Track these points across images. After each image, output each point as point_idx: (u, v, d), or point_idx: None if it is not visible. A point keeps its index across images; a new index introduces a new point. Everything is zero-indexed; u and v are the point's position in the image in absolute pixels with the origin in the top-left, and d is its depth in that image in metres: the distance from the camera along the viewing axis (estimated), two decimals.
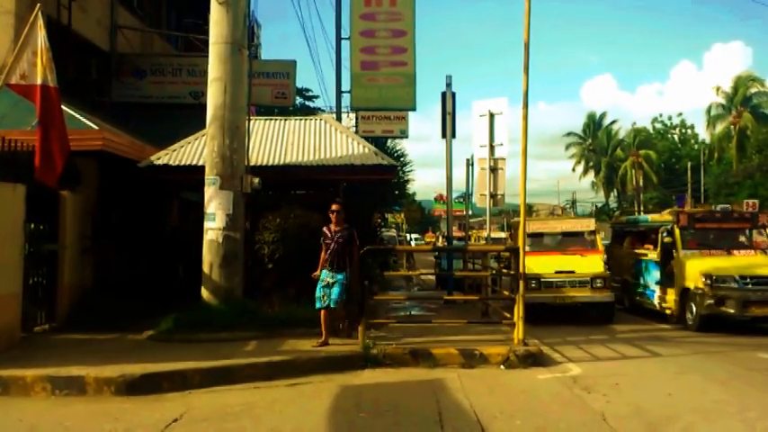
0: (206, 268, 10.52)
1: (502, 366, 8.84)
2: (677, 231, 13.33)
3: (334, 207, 9.48)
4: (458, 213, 35.16)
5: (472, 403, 6.99)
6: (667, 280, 13.33)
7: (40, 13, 9.78)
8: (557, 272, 13.18)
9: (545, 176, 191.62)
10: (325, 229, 9.49)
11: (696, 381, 8.28)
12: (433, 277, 21.88)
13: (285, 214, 11.05)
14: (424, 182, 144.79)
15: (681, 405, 7.03)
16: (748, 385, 8.03)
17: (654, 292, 13.92)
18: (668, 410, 6.83)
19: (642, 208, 55.39)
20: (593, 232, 14.68)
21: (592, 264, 13.51)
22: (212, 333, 9.58)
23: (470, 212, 26.78)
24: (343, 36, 19.87)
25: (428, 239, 48.46)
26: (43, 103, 9.65)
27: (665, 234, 13.45)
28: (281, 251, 10.80)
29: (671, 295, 13.20)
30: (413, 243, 45.86)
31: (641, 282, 14.58)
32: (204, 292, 10.48)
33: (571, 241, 14.50)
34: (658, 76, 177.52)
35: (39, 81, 9.55)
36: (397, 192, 24.30)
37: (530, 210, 69.11)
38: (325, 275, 9.30)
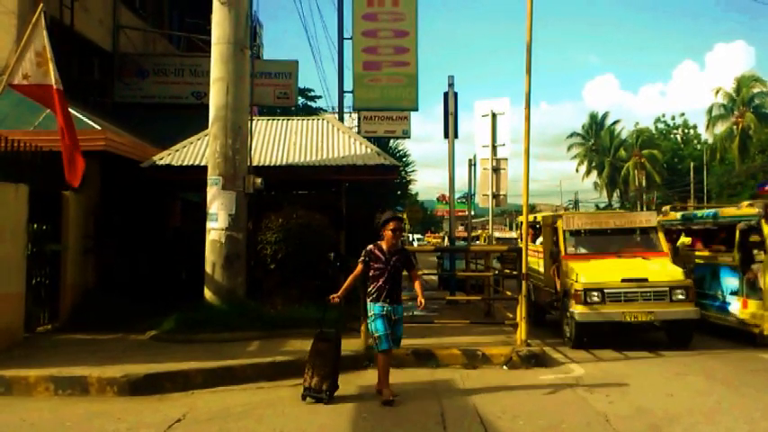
0: (208, 268, 10.52)
1: (504, 367, 8.83)
2: (767, 227, 10.43)
3: (393, 225, 7.32)
4: (460, 214, 35.16)
5: (475, 404, 6.98)
6: (750, 290, 10.56)
7: (42, 14, 9.78)
8: (624, 280, 10.34)
9: (547, 177, 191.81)
10: (374, 249, 7.36)
11: (699, 381, 8.26)
12: (435, 277, 21.86)
13: (288, 214, 11.06)
14: (427, 182, 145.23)
15: (683, 406, 7.02)
16: (751, 386, 8.01)
17: (729, 304, 11.07)
18: (671, 411, 6.82)
19: (645, 209, 55.30)
20: (655, 229, 11.76)
21: (665, 269, 10.72)
22: (215, 333, 9.59)
23: (473, 213, 26.74)
24: (345, 36, 19.89)
25: (428, 239, 48.45)
26: (51, 103, 9.62)
27: (745, 231, 10.80)
28: (284, 251, 10.80)
29: (757, 309, 10.39)
30: (415, 243, 45.90)
31: (710, 292, 11.61)
32: (207, 293, 10.48)
33: (627, 241, 11.71)
34: (661, 77, 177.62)
35: (53, 83, 9.50)
36: (399, 192, 24.34)
37: (532, 210, 69.19)
38: (380, 310, 7.17)
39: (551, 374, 8.57)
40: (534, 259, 12.66)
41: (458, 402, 7.10)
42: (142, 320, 10.24)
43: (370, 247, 7.38)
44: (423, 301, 7.31)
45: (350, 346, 9.12)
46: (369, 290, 7.29)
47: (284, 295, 10.88)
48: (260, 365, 8.17)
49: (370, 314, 7.24)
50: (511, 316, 10.17)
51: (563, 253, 11.36)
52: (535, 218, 14.32)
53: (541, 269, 12.68)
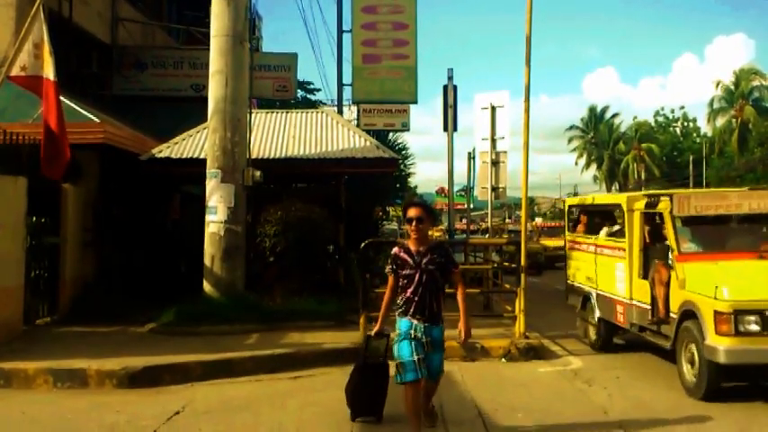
0: (207, 261, 10.52)
1: (503, 359, 8.84)
2: None
3: (412, 212, 5.46)
4: (459, 207, 35.14)
5: (473, 396, 7.00)
6: None
7: (41, 6, 9.75)
8: None
9: (547, 169, 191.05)
10: (399, 251, 5.55)
11: None
12: None
13: (287, 207, 11.06)
14: (426, 175, 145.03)
15: (681, 398, 7.02)
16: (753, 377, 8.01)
17: None
18: (670, 403, 6.83)
19: None
20: None
21: None
22: (214, 326, 9.59)
23: (472, 206, 26.74)
24: (344, 29, 19.83)
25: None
26: (47, 97, 9.62)
27: None
28: (283, 244, 10.80)
29: None
30: None
31: None
32: (206, 285, 10.48)
33: (764, 233, 8.30)
34: (660, 69, 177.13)
35: (44, 74, 9.51)
36: (398, 185, 24.29)
37: (531, 203, 69.23)
38: (407, 327, 5.38)
39: (550, 367, 8.59)
40: (584, 255, 10.15)
41: (456, 395, 7.10)
42: (141, 313, 10.25)
43: (395, 250, 5.61)
44: (465, 329, 5.50)
45: (349, 338, 9.15)
46: (397, 302, 5.54)
47: (283, 288, 10.89)
48: (259, 358, 8.19)
49: (395, 333, 5.52)
50: (510, 309, 10.18)
51: (676, 251, 7.70)
52: (587, 202, 11.20)
53: (606, 272, 9.31)
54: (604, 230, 9.80)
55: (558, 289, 18.81)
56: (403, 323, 5.41)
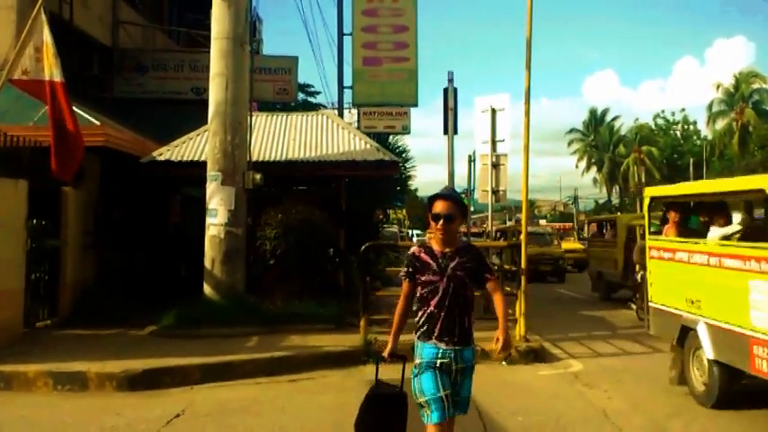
0: (208, 264, 10.52)
1: (503, 362, 8.83)
2: None
3: (440, 206, 4.26)
4: None
5: (473, 399, 6.97)
6: None
7: (42, 9, 9.76)
8: None
9: (547, 172, 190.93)
10: (419, 251, 4.36)
11: None
12: None
13: (287, 210, 11.07)
14: (426, 178, 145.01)
15: (681, 401, 7.02)
16: (752, 379, 8.00)
17: None
18: (670, 406, 6.83)
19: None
20: None
21: None
22: (214, 329, 9.59)
23: (472, 208, 26.71)
24: (345, 32, 19.85)
25: (429, 236, 48.41)
26: (52, 99, 9.61)
27: None
28: (283, 247, 10.81)
29: None
30: (415, 239, 45.90)
31: None
32: (206, 288, 10.48)
33: None
34: (661, 72, 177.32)
35: (46, 77, 9.50)
36: (399, 187, 24.30)
37: (531, 206, 69.23)
38: (431, 355, 4.21)
39: (550, 370, 8.59)
40: (683, 267, 7.25)
41: None
42: (141, 316, 10.25)
43: (414, 249, 4.41)
44: (503, 337, 4.43)
45: (348, 341, 9.16)
46: (417, 319, 4.31)
47: (283, 291, 10.89)
48: (259, 361, 8.19)
49: (416, 361, 4.27)
50: (510, 312, 10.17)
51: None
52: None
53: (729, 293, 6.38)
54: (719, 231, 7.01)
55: (563, 293, 19.00)
56: (426, 349, 4.21)
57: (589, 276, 18.60)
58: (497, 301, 4.44)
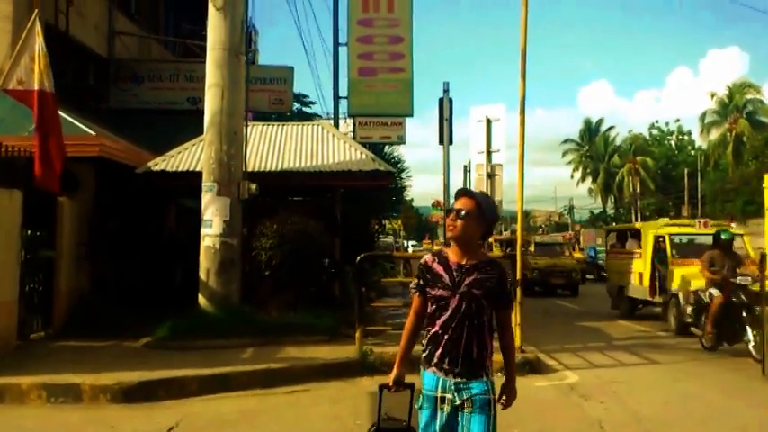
0: (203, 275, 10.49)
1: (498, 374, 8.78)
2: None
3: (456, 202, 3.63)
4: None
5: None
6: None
7: (37, 19, 9.77)
8: None
9: (542, 183, 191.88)
10: (432, 261, 3.65)
11: (694, 388, 8.27)
12: None
13: (282, 220, 11.05)
14: (422, 188, 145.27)
15: (678, 412, 7.03)
16: (747, 391, 8.02)
17: None
18: (665, 417, 6.82)
19: (639, 215, 55.54)
20: None
21: None
22: (209, 340, 9.54)
23: None
24: (340, 42, 19.90)
25: (426, 246, 48.52)
26: (41, 109, 9.62)
27: None
28: (279, 257, 10.79)
29: None
30: (410, 250, 45.96)
31: None
32: (201, 299, 10.45)
33: None
34: (655, 82, 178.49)
35: (36, 87, 9.53)
36: (394, 198, 24.33)
37: (527, 216, 69.34)
38: (430, 386, 3.54)
39: (546, 381, 8.56)
40: None
41: None
42: (136, 327, 10.19)
43: (426, 258, 3.71)
44: (510, 396, 3.79)
45: (344, 352, 9.13)
46: (423, 339, 3.66)
47: (279, 301, 10.86)
48: (255, 372, 8.14)
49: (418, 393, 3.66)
50: None
51: None
52: None
53: None
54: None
55: (558, 304, 18.99)
56: (425, 378, 3.56)
57: (608, 293, 16.82)
58: (507, 341, 3.75)
